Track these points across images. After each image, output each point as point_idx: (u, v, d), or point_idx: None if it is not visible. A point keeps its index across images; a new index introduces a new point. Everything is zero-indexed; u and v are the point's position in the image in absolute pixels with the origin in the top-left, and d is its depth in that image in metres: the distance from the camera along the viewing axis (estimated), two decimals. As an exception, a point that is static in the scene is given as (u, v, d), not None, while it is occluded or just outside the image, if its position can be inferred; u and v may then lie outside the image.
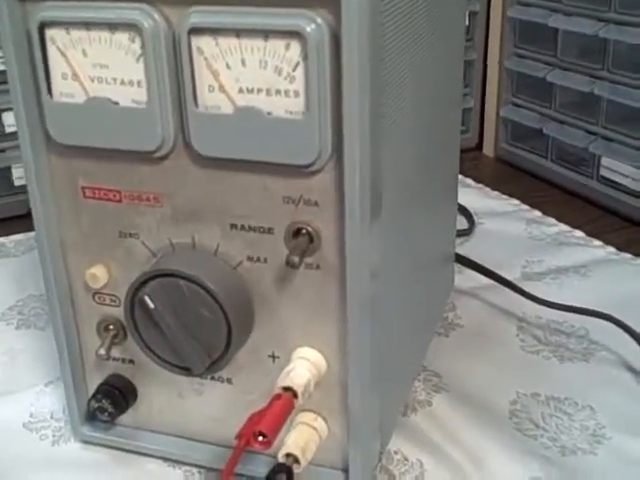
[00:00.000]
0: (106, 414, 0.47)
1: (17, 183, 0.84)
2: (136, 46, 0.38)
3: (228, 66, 0.37)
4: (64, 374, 0.48)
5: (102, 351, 0.45)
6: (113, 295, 0.45)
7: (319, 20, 0.35)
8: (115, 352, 0.47)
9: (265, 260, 0.41)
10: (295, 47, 0.36)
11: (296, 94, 0.37)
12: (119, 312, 0.45)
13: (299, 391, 0.40)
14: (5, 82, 0.80)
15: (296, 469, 0.42)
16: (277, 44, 0.36)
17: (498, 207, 0.86)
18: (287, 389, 0.40)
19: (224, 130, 0.38)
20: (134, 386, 0.48)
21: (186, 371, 0.43)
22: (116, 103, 0.39)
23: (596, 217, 0.84)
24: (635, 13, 0.77)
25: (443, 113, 0.55)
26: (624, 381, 0.57)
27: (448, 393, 0.55)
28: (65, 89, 0.40)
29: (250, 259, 0.42)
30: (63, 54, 0.39)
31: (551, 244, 0.78)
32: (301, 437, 0.43)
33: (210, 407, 0.46)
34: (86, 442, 0.50)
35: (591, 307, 0.62)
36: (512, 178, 0.94)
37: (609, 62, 0.81)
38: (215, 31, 0.37)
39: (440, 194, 0.58)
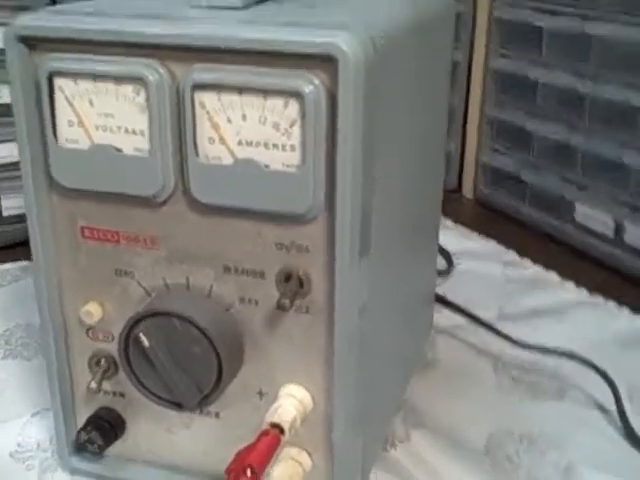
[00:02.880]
0: (95, 446, 0.48)
1: (5, 213, 0.85)
2: (141, 98, 0.40)
3: (229, 120, 0.39)
4: (54, 405, 0.50)
5: (93, 385, 0.47)
6: (106, 331, 0.47)
7: (316, 81, 0.38)
8: (106, 385, 0.48)
9: (256, 302, 0.43)
10: (293, 105, 0.38)
11: (292, 148, 0.39)
12: (111, 347, 0.47)
13: (286, 427, 0.42)
14: None
15: None
16: (276, 102, 0.38)
17: (476, 248, 0.88)
18: (274, 425, 0.42)
19: (223, 179, 0.40)
20: (123, 419, 0.49)
21: (177, 406, 0.45)
22: (119, 150, 0.42)
23: (570, 260, 0.86)
24: (610, 71, 0.80)
25: (429, 159, 0.57)
26: (594, 420, 0.59)
27: (426, 429, 0.57)
28: (70, 135, 0.42)
29: (242, 301, 0.44)
30: (70, 103, 0.41)
31: (527, 286, 0.80)
32: (286, 471, 0.45)
33: (198, 441, 0.48)
34: (74, 473, 0.51)
35: (564, 348, 0.65)
36: (490, 220, 0.97)
37: (586, 115, 0.84)
38: (218, 87, 0.39)
39: (423, 235, 0.61)
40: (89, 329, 0.47)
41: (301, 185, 0.39)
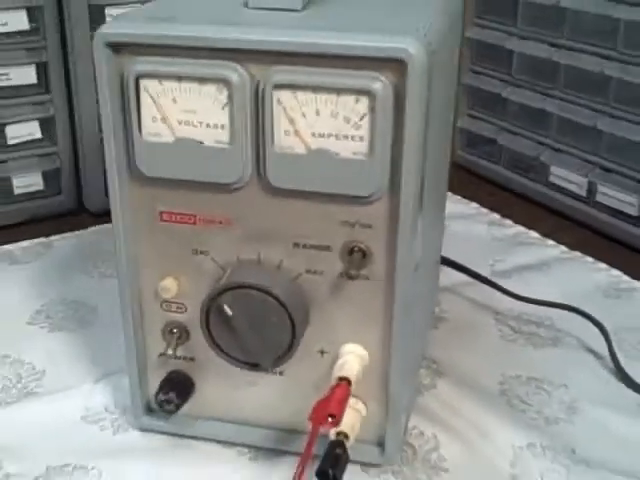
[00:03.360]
0: (172, 405, 0.54)
1: (17, 192, 0.89)
2: (223, 96, 0.45)
3: (304, 115, 0.45)
4: (130, 370, 0.55)
5: (170, 351, 0.53)
6: (180, 303, 0.53)
7: (385, 80, 0.43)
8: (177, 351, 0.54)
9: (322, 273, 0.49)
10: (363, 102, 0.44)
11: (361, 139, 0.45)
12: (183, 317, 0.53)
13: (353, 380, 0.49)
14: (9, 97, 0.85)
15: (347, 444, 0.50)
16: (348, 99, 0.44)
17: (461, 210, 0.95)
18: (343, 379, 0.49)
19: (297, 167, 0.46)
20: (192, 380, 0.55)
21: (254, 367, 0.51)
22: (201, 143, 0.47)
23: (546, 219, 0.94)
24: (586, 41, 0.88)
25: (443, 136, 0.64)
26: (589, 363, 0.68)
27: (447, 377, 0.65)
28: (154, 130, 0.47)
29: (309, 271, 0.50)
30: (155, 101, 0.46)
31: (511, 244, 0.88)
32: (348, 418, 0.51)
33: (263, 397, 0.54)
34: (147, 431, 0.57)
35: (555, 298, 0.73)
36: (472, 183, 1.04)
37: (561, 81, 0.92)
38: (294, 87, 0.44)
39: (439, 201, 0.67)
40: (164, 302, 0.53)
41: (369, 171, 0.45)
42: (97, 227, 0.88)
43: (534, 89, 0.96)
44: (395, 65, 0.43)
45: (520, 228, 0.91)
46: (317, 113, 0.45)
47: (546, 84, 0.94)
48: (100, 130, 0.49)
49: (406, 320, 0.49)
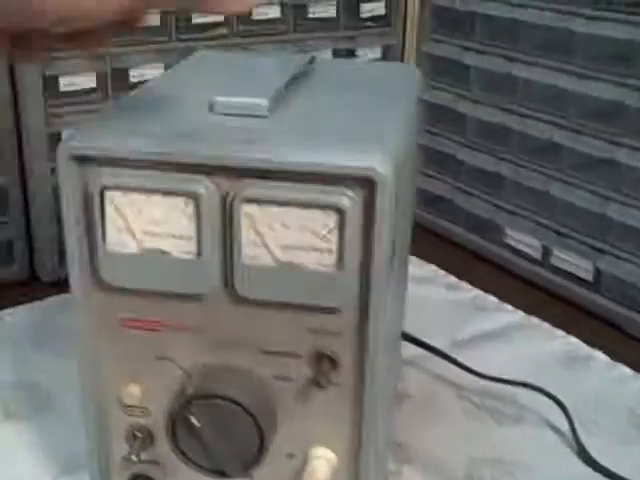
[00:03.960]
0: (135, 511, 0.52)
1: None
2: (190, 209, 0.45)
3: (272, 228, 0.44)
4: (92, 473, 0.54)
5: (133, 457, 0.51)
6: (144, 408, 0.51)
7: (353, 196, 0.43)
8: (142, 455, 0.53)
9: (290, 380, 0.49)
10: (332, 217, 0.44)
11: (330, 252, 0.44)
12: (147, 421, 0.52)
13: None
14: None
15: None
16: (316, 213, 0.44)
17: (419, 273, 0.96)
18: None
19: (265, 278, 0.46)
20: (157, 484, 0.54)
21: (221, 474, 0.50)
22: (167, 253, 0.46)
23: (503, 281, 0.96)
24: (537, 108, 0.89)
25: (408, 226, 0.64)
26: (551, 441, 0.68)
27: (414, 463, 0.64)
28: (118, 240, 0.46)
29: (277, 378, 0.49)
30: (119, 212, 0.45)
31: (470, 308, 0.89)
32: None
33: None
34: (109, 534, 0.55)
35: (515, 372, 0.74)
36: (429, 242, 1.05)
37: (514, 145, 0.93)
38: (263, 201, 0.44)
39: (403, 283, 0.67)
40: (127, 406, 0.51)
41: (337, 283, 0.45)
42: (51, 299, 0.86)
43: (488, 152, 0.97)
44: (363, 182, 0.43)
45: (478, 292, 0.92)
46: (286, 227, 0.44)
47: (500, 147, 0.95)
48: (55, 198, 0.48)
49: (375, 423, 0.49)
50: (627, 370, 0.79)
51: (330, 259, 0.45)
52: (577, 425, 0.69)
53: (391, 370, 0.60)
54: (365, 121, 0.50)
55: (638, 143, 0.81)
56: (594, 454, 0.66)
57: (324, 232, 0.44)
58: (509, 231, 0.96)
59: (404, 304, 0.73)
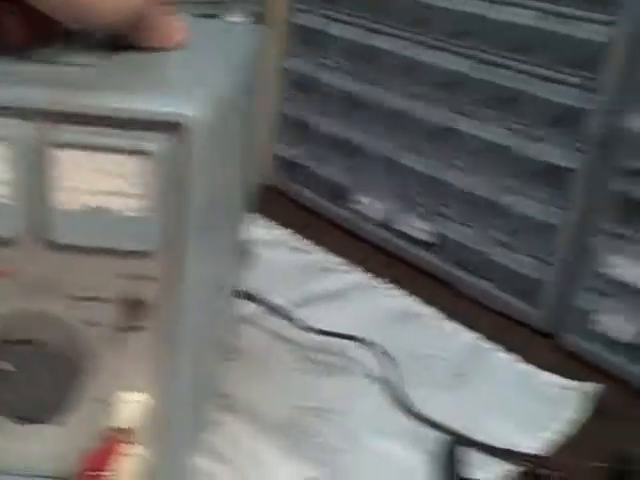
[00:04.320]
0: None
1: None
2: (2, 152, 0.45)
3: (82, 173, 0.45)
4: None
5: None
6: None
7: (165, 141, 0.44)
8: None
9: (100, 324, 0.49)
10: (142, 162, 0.44)
11: (139, 197, 0.45)
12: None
13: (127, 430, 0.49)
14: None
15: None
16: (126, 158, 0.44)
17: (271, 237, 0.98)
18: (116, 429, 0.49)
19: (75, 223, 0.46)
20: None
21: (31, 420, 0.50)
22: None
23: (352, 245, 0.99)
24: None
25: (239, 178, 0.65)
26: (375, 391, 0.72)
27: (236, 412, 0.67)
28: None
29: (88, 323, 0.49)
30: None
31: (317, 270, 0.91)
32: (128, 466, 0.51)
33: (42, 447, 0.53)
34: None
35: (352, 328, 0.77)
36: (285, 207, 1.07)
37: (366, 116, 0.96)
38: (73, 145, 0.44)
39: (230, 231, 0.68)
40: None
41: (146, 228, 0.46)
42: None
43: (344, 120, 1.00)
44: (174, 127, 0.44)
45: (325, 254, 0.95)
46: (96, 171, 0.45)
47: (354, 116, 0.98)
48: None
49: (186, 368, 0.51)
50: (456, 325, 0.83)
51: (140, 204, 0.45)
52: (404, 376, 0.72)
53: (213, 321, 0.62)
54: (189, 72, 0.51)
55: (478, 113, 0.85)
56: (418, 402, 0.69)
57: (134, 177, 0.45)
58: (359, 196, 0.99)
59: (237, 265, 0.75)
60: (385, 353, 0.74)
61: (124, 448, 0.51)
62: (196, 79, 0.50)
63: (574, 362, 0.80)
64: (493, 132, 0.83)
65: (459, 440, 0.65)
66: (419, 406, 0.69)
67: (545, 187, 0.81)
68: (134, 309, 0.49)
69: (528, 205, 0.82)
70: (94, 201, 0.46)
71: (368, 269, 0.92)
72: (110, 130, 0.45)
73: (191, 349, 0.51)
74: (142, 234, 0.47)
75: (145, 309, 0.49)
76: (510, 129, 0.82)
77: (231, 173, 0.61)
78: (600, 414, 0.71)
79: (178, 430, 0.53)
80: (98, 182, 0.45)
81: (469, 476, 0.62)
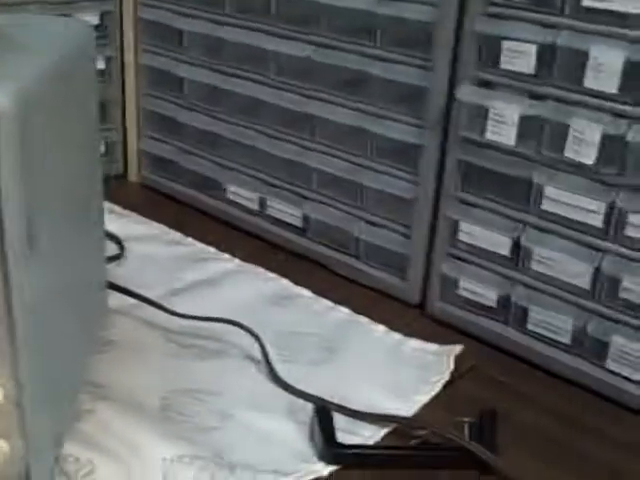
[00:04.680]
0: None
1: None
2: None
3: None
4: None
5: None
6: None
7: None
8: None
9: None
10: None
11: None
12: None
13: None
14: None
15: None
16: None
17: (144, 231, 0.98)
18: None
19: None
20: None
21: None
22: None
23: (223, 233, 1.00)
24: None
25: (84, 167, 0.66)
26: (247, 370, 0.74)
27: (109, 400, 0.67)
28: None
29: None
30: None
31: (190, 261, 0.93)
32: None
33: None
34: None
35: (225, 312, 0.78)
36: (155, 202, 1.08)
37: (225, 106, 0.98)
38: None
39: (88, 227, 0.69)
40: None
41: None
42: None
43: (206, 112, 1.01)
44: None
45: (200, 245, 0.96)
46: None
47: (215, 108, 1.00)
48: None
49: (34, 355, 0.51)
50: (328, 303, 0.86)
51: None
52: (275, 354, 0.75)
53: (72, 316, 0.62)
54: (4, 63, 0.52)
55: (328, 96, 0.88)
56: (288, 377, 0.72)
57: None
58: (229, 186, 1.01)
59: (99, 258, 0.76)
60: (257, 334, 0.76)
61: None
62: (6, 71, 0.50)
63: (442, 328, 0.84)
64: (344, 114, 0.87)
65: (332, 408, 0.67)
66: (292, 381, 0.71)
67: (397, 163, 0.84)
68: None
69: (385, 182, 0.86)
70: None
71: (243, 256, 0.93)
72: None
73: (33, 332, 0.51)
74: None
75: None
76: (360, 110, 0.85)
77: (67, 163, 0.61)
78: (465, 374, 0.75)
79: (37, 420, 0.53)
80: None
81: (343, 442, 0.64)
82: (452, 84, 0.77)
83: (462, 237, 0.81)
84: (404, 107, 0.82)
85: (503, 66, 0.73)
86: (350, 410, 0.68)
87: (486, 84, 0.74)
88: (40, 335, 0.52)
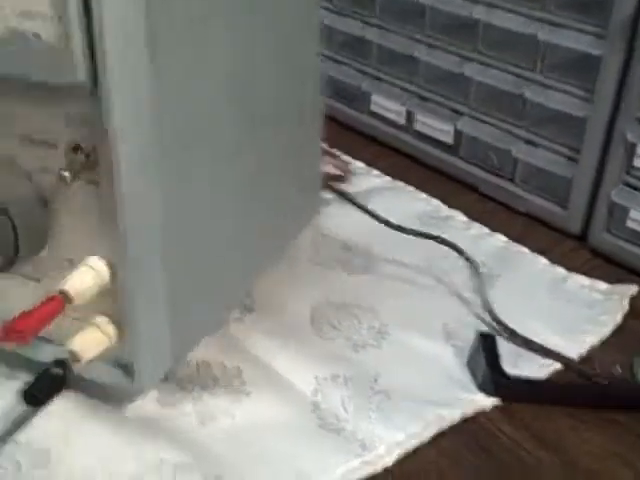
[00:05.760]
0: None
1: None
2: None
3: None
4: None
5: None
6: None
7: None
8: None
9: (52, 172, 0.46)
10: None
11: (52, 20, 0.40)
12: None
13: (72, 294, 0.46)
14: None
15: (75, 365, 0.47)
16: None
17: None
18: (61, 292, 0.46)
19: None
20: None
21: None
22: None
23: (368, 147, 0.94)
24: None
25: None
26: (401, 287, 0.69)
27: (259, 309, 0.64)
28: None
29: (43, 170, 0.46)
30: None
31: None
32: (85, 337, 0.48)
33: (19, 302, 0.48)
34: None
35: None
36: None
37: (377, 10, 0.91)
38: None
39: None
40: None
41: (68, 57, 0.41)
42: None
43: (355, 17, 0.95)
44: None
45: (346, 158, 0.91)
46: None
47: (365, 12, 0.93)
48: None
49: (142, 232, 0.46)
50: (484, 228, 0.80)
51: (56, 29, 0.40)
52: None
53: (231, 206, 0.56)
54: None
55: (497, 0, 0.80)
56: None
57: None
58: (375, 98, 0.95)
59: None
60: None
61: (63, 311, 0.46)
62: None
63: (604, 262, 0.76)
64: (514, 20, 0.79)
65: (502, 335, 0.62)
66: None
67: (570, 78, 0.76)
68: (79, 158, 0.44)
69: (553, 97, 0.78)
70: (14, 21, 0.40)
71: (390, 173, 0.88)
72: None
73: (143, 210, 0.46)
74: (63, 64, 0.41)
75: (93, 160, 0.44)
76: (531, 17, 0.77)
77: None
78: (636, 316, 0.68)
79: (140, 309, 0.48)
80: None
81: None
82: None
83: (639, 163, 0.73)
84: (584, 14, 0.73)
85: None
86: (524, 339, 0.62)
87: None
88: (153, 218, 0.47)
